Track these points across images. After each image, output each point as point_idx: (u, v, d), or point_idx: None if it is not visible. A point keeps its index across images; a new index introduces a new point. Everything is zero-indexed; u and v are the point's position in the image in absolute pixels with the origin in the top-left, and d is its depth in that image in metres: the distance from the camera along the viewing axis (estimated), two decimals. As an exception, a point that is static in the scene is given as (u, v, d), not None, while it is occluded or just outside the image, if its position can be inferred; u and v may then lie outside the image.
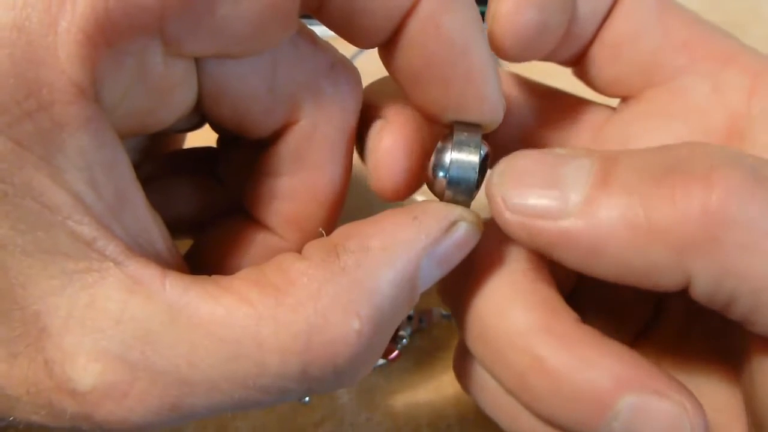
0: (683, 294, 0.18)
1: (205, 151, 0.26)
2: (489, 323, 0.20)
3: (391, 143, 0.21)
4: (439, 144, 0.20)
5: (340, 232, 0.19)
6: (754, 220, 0.16)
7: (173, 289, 0.17)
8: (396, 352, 0.33)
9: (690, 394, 0.19)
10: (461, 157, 0.20)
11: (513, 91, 0.25)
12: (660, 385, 0.18)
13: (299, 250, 0.19)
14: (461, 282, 0.21)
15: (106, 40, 0.15)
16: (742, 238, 0.16)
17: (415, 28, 0.18)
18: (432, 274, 0.19)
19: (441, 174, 0.20)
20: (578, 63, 0.24)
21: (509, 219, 0.19)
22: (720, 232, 0.16)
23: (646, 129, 0.23)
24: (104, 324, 0.16)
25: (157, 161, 0.25)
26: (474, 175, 0.20)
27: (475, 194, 0.20)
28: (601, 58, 0.23)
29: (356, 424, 0.31)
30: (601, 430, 0.18)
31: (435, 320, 0.34)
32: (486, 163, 0.21)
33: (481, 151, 0.20)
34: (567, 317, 0.20)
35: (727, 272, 0.16)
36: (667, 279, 0.17)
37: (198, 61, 0.19)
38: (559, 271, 0.21)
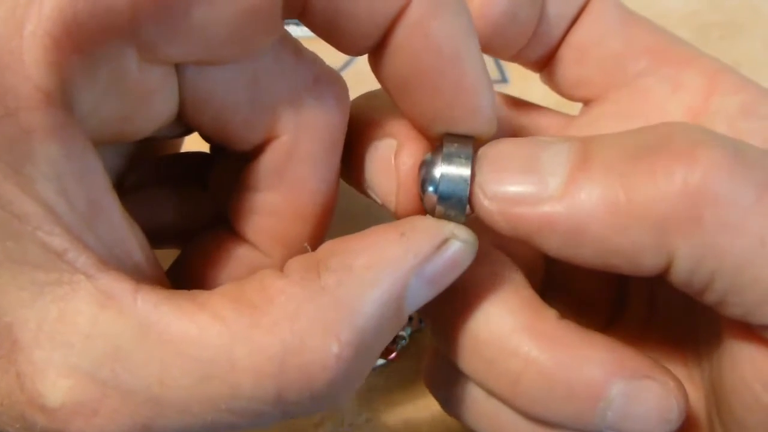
0: (648, 283, 0.18)
1: (199, 156, 0.26)
2: (478, 334, 0.20)
3: (410, 166, 0.20)
4: (429, 156, 0.19)
5: (325, 248, 0.18)
6: (737, 198, 0.16)
7: (145, 304, 0.16)
8: (395, 353, 0.33)
9: (671, 374, 0.19)
10: (451, 171, 0.19)
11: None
12: (645, 368, 0.19)
13: (283, 267, 0.18)
14: (441, 297, 0.20)
15: (75, 44, 0.15)
16: (724, 216, 0.16)
17: (402, 35, 0.18)
18: (421, 295, 0.18)
19: (431, 189, 0.19)
20: (545, 67, 0.25)
21: (488, 207, 0.18)
22: (702, 209, 0.16)
23: (608, 128, 0.22)
24: (74, 339, 0.16)
25: (146, 166, 0.25)
26: (466, 189, 0.19)
27: (468, 209, 0.19)
28: (567, 59, 0.24)
29: (356, 425, 0.31)
30: (596, 421, 0.19)
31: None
32: None
33: (473, 164, 0.19)
34: (550, 316, 0.20)
35: (708, 250, 0.16)
36: (649, 260, 0.17)
37: (178, 68, 0.18)
38: (527, 268, 0.21)
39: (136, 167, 0.24)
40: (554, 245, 0.18)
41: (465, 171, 0.19)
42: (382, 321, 0.17)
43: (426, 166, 0.19)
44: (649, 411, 0.19)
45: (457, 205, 0.19)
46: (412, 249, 0.18)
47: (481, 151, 0.19)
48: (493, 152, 0.19)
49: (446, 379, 0.22)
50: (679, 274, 0.17)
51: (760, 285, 0.16)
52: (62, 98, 0.15)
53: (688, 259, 0.16)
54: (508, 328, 0.19)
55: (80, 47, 0.15)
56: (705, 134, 0.17)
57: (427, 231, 0.18)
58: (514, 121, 0.25)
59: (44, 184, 0.15)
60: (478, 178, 0.18)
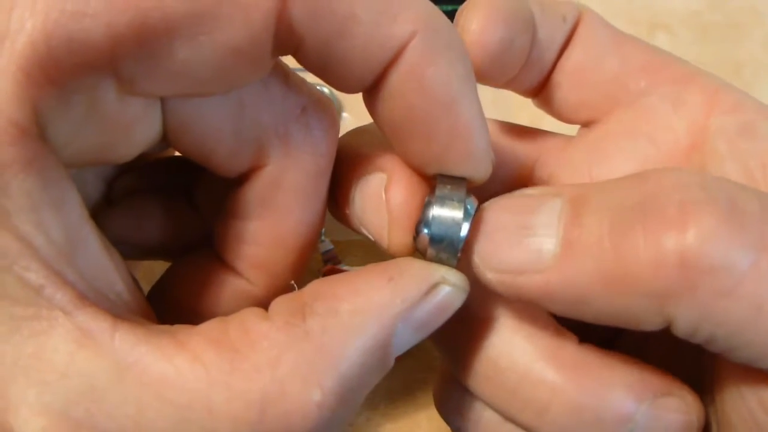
0: None
1: (189, 162, 0.26)
2: (500, 363, 0.20)
3: (401, 202, 0.19)
4: (428, 198, 0.19)
5: (311, 289, 0.18)
6: (731, 264, 0.15)
7: (123, 343, 0.16)
8: (396, 353, 0.33)
9: (688, 388, 0.19)
10: (443, 213, 0.18)
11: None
12: (666, 385, 0.19)
13: (267, 295, 0.18)
14: (456, 324, 0.20)
15: (49, 78, 0.15)
16: (718, 285, 0.15)
17: (397, 79, 0.17)
18: (408, 340, 0.18)
19: (424, 231, 0.19)
20: (538, 93, 0.24)
21: (491, 279, 0.18)
22: (696, 279, 0.15)
23: (613, 148, 0.23)
24: (49, 376, 0.15)
25: (136, 171, 0.24)
26: (458, 232, 0.18)
27: (460, 253, 0.19)
28: (564, 85, 0.23)
29: (356, 424, 0.31)
30: None
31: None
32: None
33: (468, 206, 0.19)
34: (570, 341, 0.20)
35: (705, 317, 0.16)
36: (648, 323, 0.17)
37: (162, 97, 0.18)
38: None
39: (127, 172, 0.24)
40: (556, 309, 0.18)
41: (457, 214, 0.18)
42: (366, 368, 0.17)
43: (423, 208, 0.19)
44: (672, 425, 0.19)
45: (449, 248, 0.18)
46: (400, 294, 0.17)
47: (477, 217, 0.19)
48: (488, 221, 0.18)
49: (459, 405, 0.22)
50: (680, 333, 0.17)
51: (760, 345, 0.16)
52: (37, 131, 0.15)
53: (685, 324, 0.16)
54: (530, 357, 0.19)
55: (55, 80, 0.15)
56: (697, 189, 0.16)
57: (416, 276, 0.18)
58: (513, 149, 0.25)
59: (20, 217, 0.15)
60: (476, 251, 0.18)
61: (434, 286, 0.18)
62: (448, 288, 0.18)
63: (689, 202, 0.16)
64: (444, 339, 0.21)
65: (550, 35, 0.23)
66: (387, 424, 0.32)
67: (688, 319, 0.16)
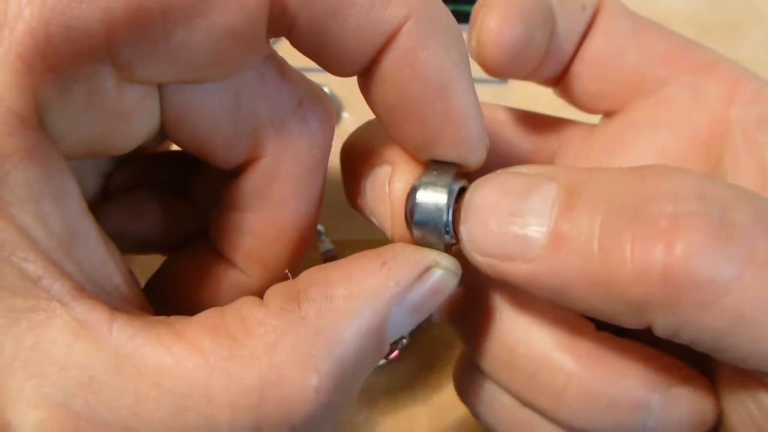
0: None
1: (187, 156, 0.26)
2: (517, 349, 0.20)
3: (404, 190, 0.20)
4: (414, 184, 0.19)
5: (305, 276, 0.18)
6: (716, 279, 0.15)
7: (120, 334, 0.16)
8: (396, 352, 0.33)
9: (702, 377, 0.19)
10: (426, 199, 0.19)
11: (503, 121, 0.25)
12: (681, 374, 0.19)
13: (263, 286, 0.18)
14: (475, 310, 0.20)
15: (48, 66, 0.15)
16: (701, 298, 0.15)
17: (390, 63, 0.18)
18: (403, 324, 0.18)
19: (410, 216, 0.19)
20: (558, 82, 0.24)
21: (479, 260, 0.18)
22: (678, 292, 0.15)
23: (632, 139, 0.23)
24: (48, 369, 0.15)
25: (134, 165, 0.25)
26: (441, 217, 0.19)
27: (446, 236, 0.19)
28: (584, 75, 0.23)
29: (356, 424, 0.31)
30: (637, 430, 0.19)
31: (435, 320, 0.34)
32: None
33: (454, 190, 0.19)
34: (588, 329, 0.20)
35: (686, 325, 0.16)
36: (628, 323, 0.17)
37: (159, 86, 0.18)
38: None
39: (124, 166, 0.24)
40: (542, 296, 0.18)
41: (441, 199, 0.19)
42: (362, 351, 0.17)
43: (410, 193, 0.19)
44: (686, 415, 0.19)
45: (435, 233, 0.19)
46: (394, 278, 0.18)
47: (467, 197, 0.19)
48: (478, 201, 0.18)
49: (477, 387, 0.22)
50: (660, 335, 0.17)
51: (743, 349, 0.16)
52: (37, 120, 0.15)
53: (664, 329, 0.16)
54: (547, 344, 0.19)
55: (54, 69, 0.15)
56: (692, 201, 0.16)
57: (409, 259, 0.18)
58: (534, 138, 0.25)
59: (20, 208, 0.15)
60: (466, 230, 0.18)
61: (427, 270, 0.18)
62: (440, 271, 0.18)
63: (681, 214, 0.16)
64: (463, 324, 0.22)
65: (570, 26, 0.23)
66: (386, 422, 0.32)
67: (667, 325, 0.16)
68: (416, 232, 0.19)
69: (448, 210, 0.19)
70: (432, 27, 0.17)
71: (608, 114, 0.24)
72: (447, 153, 0.19)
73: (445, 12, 0.18)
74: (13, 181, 0.15)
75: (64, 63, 0.15)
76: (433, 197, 0.19)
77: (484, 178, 0.19)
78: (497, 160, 0.24)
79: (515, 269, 0.18)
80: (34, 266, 0.15)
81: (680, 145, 0.22)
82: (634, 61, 0.23)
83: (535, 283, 0.18)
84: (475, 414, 0.23)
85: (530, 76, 0.24)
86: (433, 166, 0.19)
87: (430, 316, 0.34)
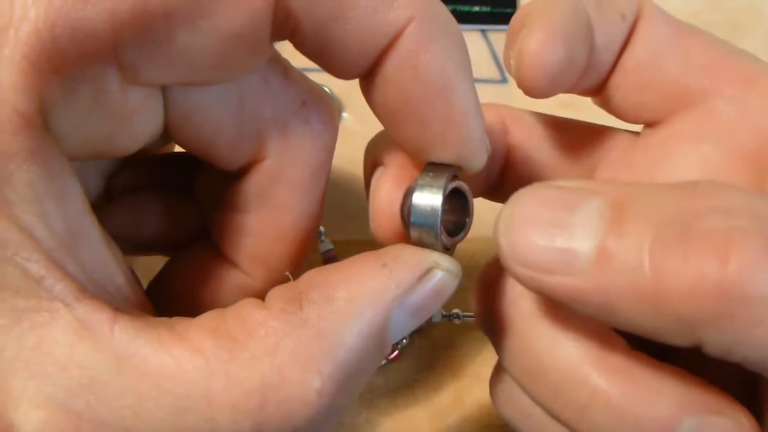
0: None
1: (189, 158, 0.26)
2: (543, 360, 0.19)
3: (387, 190, 0.20)
4: (410, 185, 0.19)
5: (306, 278, 0.18)
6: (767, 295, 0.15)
7: (122, 335, 0.16)
8: (396, 352, 0.33)
9: (744, 409, 0.19)
10: (421, 201, 0.19)
11: (531, 128, 0.25)
12: (717, 403, 0.18)
13: (265, 287, 0.18)
14: (503, 318, 0.20)
15: (54, 67, 0.15)
16: (755, 315, 0.15)
17: (392, 66, 0.18)
18: (404, 325, 0.18)
19: (408, 217, 0.19)
20: (598, 92, 0.24)
21: (519, 272, 0.18)
22: (732, 308, 0.15)
23: (676, 152, 0.22)
24: (50, 369, 0.15)
25: (135, 167, 0.25)
26: (437, 219, 0.19)
27: (441, 237, 0.19)
28: (624, 86, 0.23)
29: (356, 425, 0.31)
30: None
31: (435, 320, 0.34)
32: (468, 204, 0.20)
33: (446, 191, 0.19)
34: (619, 346, 0.19)
35: (738, 343, 0.16)
36: (678, 341, 0.17)
37: (163, 88, 0.18)
38: None
39: (126, 168, 0.24)
40: (584, 311, 0.17)
41: (435, 201, 0.19)
42: (364, 353, 0.17)
43: (406, 195, 0.19)
44: None
45: (431, 234, 0.19)
46: (395, 280, 0.18)
47: (510, 206, 0.18)
48: (522, 210, 0.18)
49: (511, 397, 0.22)
50: (711, 354, 0.16)
51: None
52: (41, 120, 0.15)
53: (716, 347, 0.16)
54: (576, 359, 0.19)
55: (59, 70, 0.15)
56: (744, 218, 0.16)
57: (410, 261, 0.18)
58: (577, 150, 0.24)
59: (23, 208, 0.15)
60: (507, 240, 0.18)
61: (427, 271, 0.18)
62: (441, 273, 0.18)
63: (734, 230, 0.16)
64: (492, 333, 0.21)
65: (609, 37, 0.22)
66: (387, 423, 0.32)
67: (719, 343, 0.16)
68: (413, 234, 0.19)
69: (443, 211, 0.19)
70: (434, 29, 0.17)
71: (650, 124, 0.24)
72: (448, 155, 0.19)
73: (446, 13, 0.18)
74: (16, 180, 0.15)
75: (69, 64, 0.15)
76: (429, 199, 0.19)
77: (524, 189, 0.18)
78: (536, 171, 0.24)
79: (558, 283, 0.17)
80: (36, 266, 0.15)
81: (725, 159, 0.21)
82: (676, 71, 0.22)
83: (578, 298, 0.17)
84: (509, 424, 0.23)
85: (569, 89, 0.23)
86: (430, 168, 0.19)
87: (430, 317, 0.34)
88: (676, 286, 0.16)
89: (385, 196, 0.20)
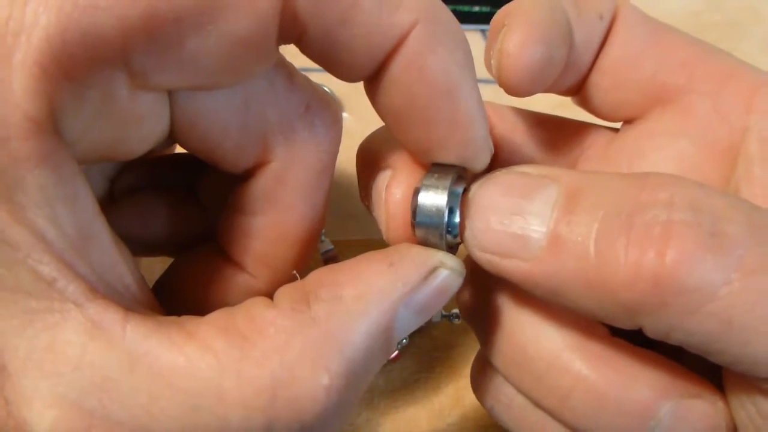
0: None
1: (193, 159, 0.26)
2: (526, 348, 0.20)
3: (400, 196, 0.20)
4: (416, 186, 0.20)
5: (314, 277, 0.18)
6: (704, 286, 0.16)
7: (134, 335, 0.16)
8: (396, 352, 0.33)
9: (719, 393, 0.19)
10: (426, 201, 0.19)
11: (515, 124, 0.25)
12: (695, 387, 0.19)
13: (270, 289, 0.18)
14: (489, 309, 0.20)
15: (65, 72, 0.15)
16: (689, 304, 0.16)
17: (398, 68, 0.18)
18: (410, 323, 0.18)
19: (413, 218, 0.20)
20: (577, 92, 0.24)
21: (479, 256, 0.19)
22: (667, 298, 0.16)
23: (651, 147, 0.23)
24: (62, 368, 0.16)
25: (139, 168, 0.25)
26: (442, 219, 0.19)
27: (447, 237, 0.19)
28: (602, 85, 0.23)
29: (356, 425, 0.31)
30: None
31: (435, 320, 0.34)
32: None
33: (454, 192, 0.19)
34: (600, 333, 0.20)
35: (673, 329, 0.17)
36: (621, 324, 0.17)
37: (170, 92, 0.18)
38: None
39: (129, 169, 0.24)
40: (539, 295, 0.18)
41: (441, 201, 0.19)
42: (371, 351, 0.17)
43: (413, 195, 0.20)
44: (697, 430, 0.19)
45: (436, 234, 0.19)
46: (401, 279, 0.18)
47: (471, 194, 0.19)
48: (481, 199, 0.19)
49: (492, 387, 0.22)
50: (651, 336, 0.17)
51: (732, 354, 0.16)
52: (52, 125, 0.15)
53: (654, 332, 0.17)
54: (558, 346, 0.20)
55: (70, 75, 0.15)
56: (685, 211, 0.16)
57: (415, 260, 0.18)
58: (558, 144, 0.25)
59: (35, 211, 0.15)
60: (469, 226, 0.19)
61: (433, 270, 0.19)
62: (446, 272, 0.19)
63: (674, 223, 0.16)
64: (477, 323, 0.22)
65: (588, 37, 0.23)
66: (387, 423, 0.32)
67: (657, 329, 0.17)
68: (418, 233, 0.19)
69: (448, 212, 0.19)
70: (439, 31, 0.18)
71: (629, 121, 0.24)
72: (452, 156, 0.19)
73: (450, 16, 0.18)
74: (28, 185, 0.15)
75: (79, 69, 0.15)
76: (434, 199, 0.19)
77: (488, 176, 0.19)
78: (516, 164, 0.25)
79: (513, 267, 0.18)
80: (48, 268, 0.15)
81: (699, 154, 0.22)
82: (652, 69, 0.23)
83: (531, 281, 0.18)
84: (490, 413, 0.23)
85: (549, 89, 0.23)
86: (435, 168, 0.20)
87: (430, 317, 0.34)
88: (617, 275, 0.16)
89: (399, 202, 0.20)
